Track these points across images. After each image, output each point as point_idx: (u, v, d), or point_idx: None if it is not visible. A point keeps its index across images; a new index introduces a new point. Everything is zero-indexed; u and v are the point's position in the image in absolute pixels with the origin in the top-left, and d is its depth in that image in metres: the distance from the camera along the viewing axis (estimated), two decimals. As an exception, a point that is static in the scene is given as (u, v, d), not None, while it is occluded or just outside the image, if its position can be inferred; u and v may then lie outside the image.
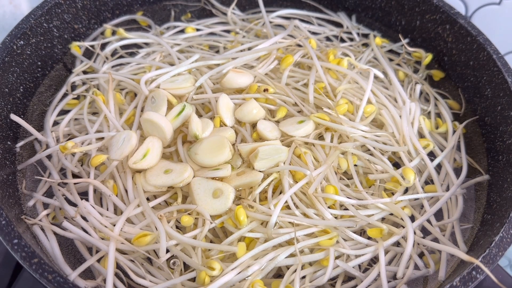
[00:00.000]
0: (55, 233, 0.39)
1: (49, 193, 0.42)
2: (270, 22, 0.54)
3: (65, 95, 0.49)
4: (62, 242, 0.39)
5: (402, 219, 0.39)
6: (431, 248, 0.39)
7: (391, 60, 0.54)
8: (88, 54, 0.52)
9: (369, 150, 0.44)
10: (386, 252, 0.39)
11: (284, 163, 0.40)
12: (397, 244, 0.39)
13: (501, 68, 0.44)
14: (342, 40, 0.56)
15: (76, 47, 0.51)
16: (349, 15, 0.59)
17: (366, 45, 0.56)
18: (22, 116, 0.44)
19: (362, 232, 0.40)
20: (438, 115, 0.50)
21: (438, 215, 0.42)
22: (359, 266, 0.38)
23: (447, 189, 0.43)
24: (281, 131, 0.43)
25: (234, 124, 0.43)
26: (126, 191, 0.40)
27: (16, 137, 0.44)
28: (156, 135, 0.41)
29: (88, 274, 0.38)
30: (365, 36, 0.57)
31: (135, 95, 0.48)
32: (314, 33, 0.56)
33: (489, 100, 0.46)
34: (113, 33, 0.54)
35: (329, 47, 0.52)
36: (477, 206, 0.43)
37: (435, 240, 0.40)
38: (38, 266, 0.31)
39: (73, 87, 0.50)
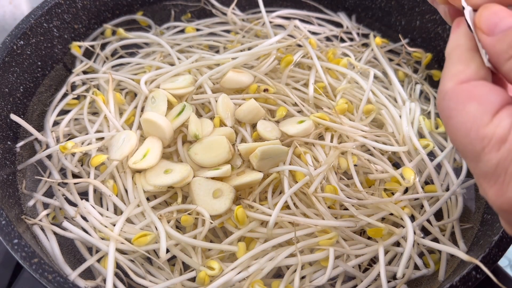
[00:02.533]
0: (55, 233, 0.39)
1: (49, 193, 0.42)
2: (270, 22, 0.54)
3: (65, 95, 0.49)
4: (62, 242, 0.39)
5: (402, 219, 0.39)
6: (431, 248, 0.39)
7: (391, 60, 0.54)
8: (88, 54, 0.52)
9: (369, 150, 0.44)
10: (386, 252, 0.39)
11: (284, 163, 0.40)
12: (397, 244, 0.39)
13: (501, 68, 0.44)
14: (342, 40, 0.56)
15: (76, 47, 0.51)
16: (349, 15, 0.59)
17: (366, 45, 0.56)
18: (22, 116, 0.44)
19: (362, 232, 0.40)
20: (438, 115, 0.50)
21: (438, 215, 0.42)
22: (359, 266, 0.38)
23: (447, 189, 0.43)
24: (281, 131, 0.43)
25: (234, 124, 0.43)
26: (126, 191, 0.40)
27: (16, 137, 0.44)
28: (156, 135, 0.41)
29: (88, 274, 0.38)
30: (365, 36, 0.57)
31: (135, 95, 0.48)
32: (314, 33, 0.56)
33: (489, 100, 0.46)
34: (113, 33, 0.54)
35: (329, 47, 0.52)
36: (477, 206, 0.43)
37: (435, 240, 0.40)
38: (38, 266, 0.31)
39: (73, 87, 0.50)
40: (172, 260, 0.39)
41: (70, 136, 0.46)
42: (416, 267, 0.39)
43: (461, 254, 0.35)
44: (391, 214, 0.40)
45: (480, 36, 0.22)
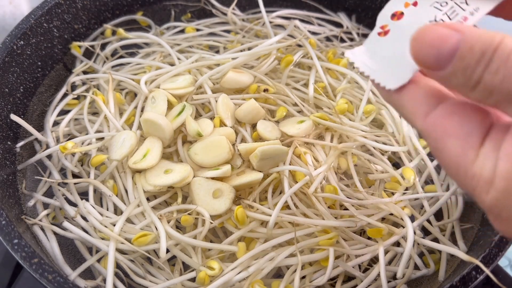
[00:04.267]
0: (55, 233, 0.39)
1: (49, 193, 0.42)
2: (270, 22, 0.54)
3: (65, 95, 0.49)
4: (62, 242, 0.39)
5: (402, 219, 0.39)
6: (431, 248, 0.39)
7: (391, 60, 0.54)
8: (88, 54, 0.52)
9: (369, 150, 0.44)
10: (386, 252, 0.39)
11: (284, 163, 0.40)
12: (397, 244, 0.39)
13: (501, 68, 0.44)
14: (342, 40, 0.56)
15: (76, 47, 0.51)
16: (349, 15, 0.59)
17: (366, 45, 0.55)
18: (22, 116, 0.44)
19: (362, 232, 0.40)
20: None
21: (438, 215, 0.42)
22: (359, 266, 0.38)
23: (447, 189, 0.43)
24: (281, 131, 0.43)
25: (234, 124, 0.43)
26: (126, 191, 0.40)
27: (16, 137, 0.44)
28: (156, 135, 0.41)
29: (88, 274, 0.38)
30: (365, 36, 0.57)
31: (135, 95, 0.48)
32: (314, 33, 0.56)
33: (489, 100, 0.46)
34: (113, 33, 0.54)
35: (329, 47, 0.52)
36: (477, 206, 0.43)
37: (435, 240, 0.40)
38: (38, 266, 0.31)
39: (73, 87, 0.50)
40: (172, 260, 0.39)
41: (70, 136, 0.46)
42: (416, 267, 0.39)
43: (461, 254, 0.35)
44: (391, 214, 0.40)
45: (427, 73, 0.20)
